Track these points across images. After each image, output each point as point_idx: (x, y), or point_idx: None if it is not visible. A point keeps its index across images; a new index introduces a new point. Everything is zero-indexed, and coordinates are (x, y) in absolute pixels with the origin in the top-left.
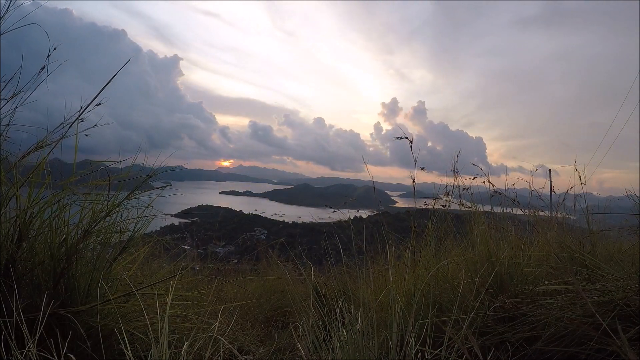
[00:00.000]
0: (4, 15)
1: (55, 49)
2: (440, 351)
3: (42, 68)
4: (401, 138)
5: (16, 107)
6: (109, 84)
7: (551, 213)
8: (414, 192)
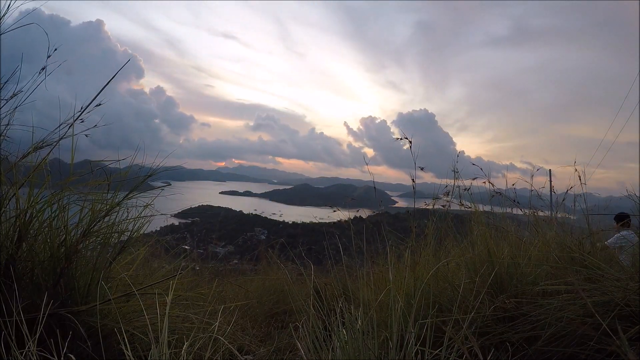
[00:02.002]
0: (3, 15)
1: (55, 49)
2: (440, 351)
3: (42, 68)
4: (401, 139)
5: (16, 108)
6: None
7: (551, 213)
8: (413, 192)
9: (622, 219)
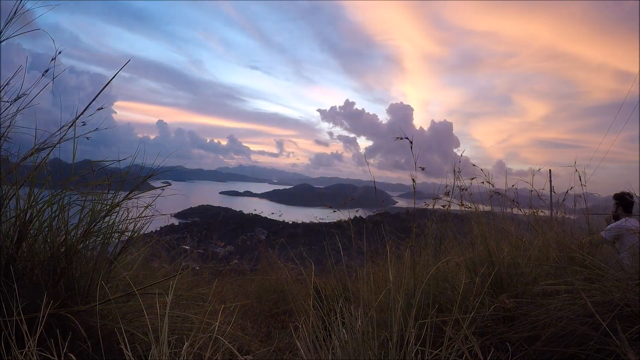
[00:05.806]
0: (9, 21)
1: (60, 52)
2: (440, 351)
3: (46, 71)
4: (401, 138)
5: (18, 110)
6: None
7: (551, 213)
8: (413, 192)
9: (622, 200)
